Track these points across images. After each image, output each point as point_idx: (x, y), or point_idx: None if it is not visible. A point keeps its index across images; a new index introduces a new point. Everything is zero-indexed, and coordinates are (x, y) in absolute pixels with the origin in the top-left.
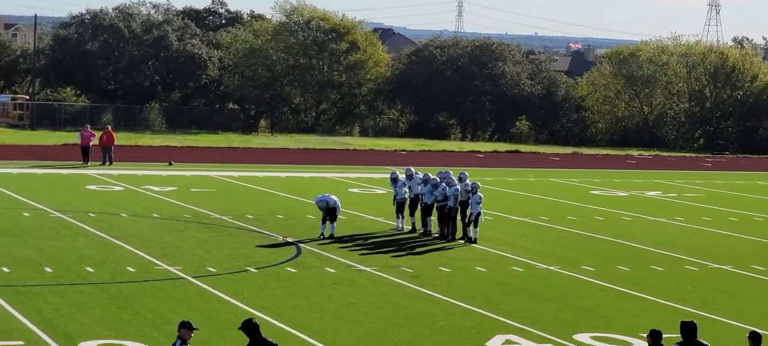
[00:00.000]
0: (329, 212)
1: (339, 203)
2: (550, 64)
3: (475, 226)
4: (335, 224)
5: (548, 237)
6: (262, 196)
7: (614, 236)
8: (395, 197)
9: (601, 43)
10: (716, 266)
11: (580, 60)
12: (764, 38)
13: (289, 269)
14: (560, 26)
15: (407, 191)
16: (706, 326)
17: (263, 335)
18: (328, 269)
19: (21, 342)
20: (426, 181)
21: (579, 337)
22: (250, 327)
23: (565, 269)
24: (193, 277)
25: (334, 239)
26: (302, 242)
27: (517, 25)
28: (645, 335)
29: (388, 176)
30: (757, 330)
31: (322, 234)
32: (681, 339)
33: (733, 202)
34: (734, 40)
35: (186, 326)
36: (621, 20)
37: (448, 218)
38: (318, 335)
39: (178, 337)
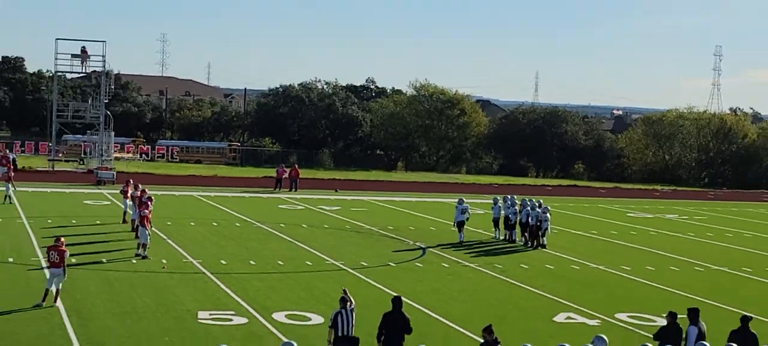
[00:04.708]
0: (461, 224)
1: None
2: (599, 125)
3: (544, 236)
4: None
5: (597, 246)
6: (399, 214)
7: (644, 245)
8: (493, 215)
9: (635, 110)
10: (716, 268)
11: (621, 123)
12: (751, 108)
13: (417, 264)
14: (607, 98)
15: (502, 210)
16: (709, 311)
17: (403, 311)
18: (444, 264)
19: (232, 311)
20: (512, 204)
21: (619, 315)
22: (396, 301)
23: (609, 268)
24: (351, 269)
25: (457, 244)
26: (428, 246)
27: (576, 96)
28: (665, 315)
29: (490, 200)
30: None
31: (461, 241)
32: (689, 320)
33: (729, 223)
34: (730, 109)
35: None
36: (651, 95)
37: (534, 231)
38: (436, 310)
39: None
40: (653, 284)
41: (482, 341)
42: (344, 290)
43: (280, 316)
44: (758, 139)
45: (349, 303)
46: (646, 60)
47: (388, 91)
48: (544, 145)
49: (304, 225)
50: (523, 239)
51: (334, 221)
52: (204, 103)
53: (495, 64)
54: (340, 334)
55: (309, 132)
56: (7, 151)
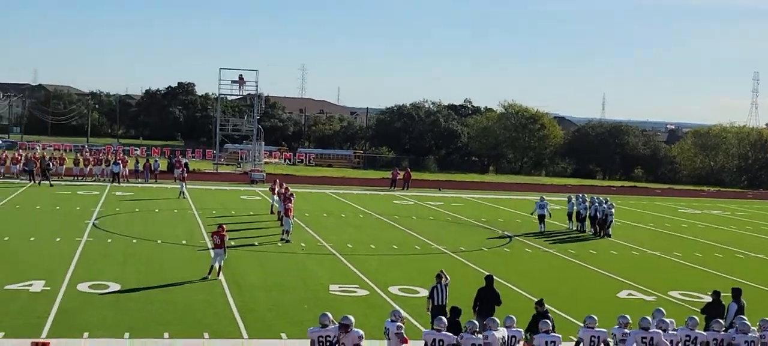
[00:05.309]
0: (542, 217)
1: (547, 209)
2: (655, 137)
3: (609, 228)
4: (541, 224)
5: (653, 236)
6: (491, 208)
7: (693, 236)
8: (567, 210)
9: (686, 125)
10: (754, 255)
11: (674, 135)
12: None
13: (505, 249)
14: (662, 115)
15: (575, 206)
16: (747, 291)
17: (494, 287)
18: (527, 249)
19: (356, 285)
20: (583, 201)
21: (672, 293)
22: (489, 278)
23: (663, 254)
24: (451, 252)
25: (538, 233)
26: (514, 235)
27: (636, 113)
28: (710, 293)
29: (565, 198)
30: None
31: (542, 231)
32: (731, 298)
33: (765, 218)
34: (767, 124)
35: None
36: (699, 112)
37: (600, 223)
38: (521, 286)
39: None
40: (700, 267)
41: (535, 312)
42: (442, 271)
43: (394, 289)
44: None
45: (443, 279)
46: (696, 83)
47: (482, 109)
48: (609, 154)
49: (413, 217)
50: (592, 230)
51: (438, 214)
52: (335, 119)
53: (570, 87)
54: (435, 304)
55: (418, 142)
56: (181, 158)
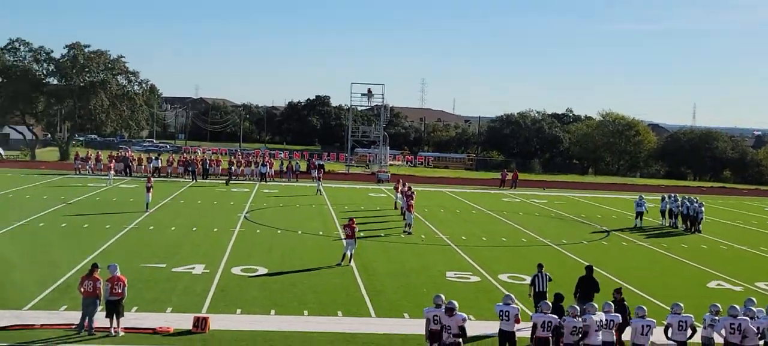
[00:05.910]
0: (640, 214)
1: (645, 207)
2: (743, 142)
3: (699, 224)
4: (638, 220)
5: (740, 232)
6: (589, 205)
7: None
8: (661, 208)
9: None
10: None
11: (760, 141)
12: None
13: (603, 242)
14: (748, 121)
15: (668, 204)
16: None
17: (593, 276)
18: (623, 243)
19: (470, 272)
20: (675, 200)
21: (758, 284)
22: (589, 268)
23: (750, 248)
24: (554, 244)
25: (634, 228)
26: (611, 229)
27: (725, 120)
28: None
29: (658, 197)
30: None
31: (638, 226)
32: None
33: None
34: None
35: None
36: None
37: (691, 220)
38: (618, 275)
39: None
40: None
41: (612, 299)
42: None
43: (503, 276)
44: None
45: (544, 269)
46: None
47: (582, 117)
48: (699, 157)
49: (520, 213)
50: (684, 226)
51: (542, 210)
52: (451, 126)
53: (663, 97)
54: (536, 290)
55: (524, 147)
56: (315, 161)
